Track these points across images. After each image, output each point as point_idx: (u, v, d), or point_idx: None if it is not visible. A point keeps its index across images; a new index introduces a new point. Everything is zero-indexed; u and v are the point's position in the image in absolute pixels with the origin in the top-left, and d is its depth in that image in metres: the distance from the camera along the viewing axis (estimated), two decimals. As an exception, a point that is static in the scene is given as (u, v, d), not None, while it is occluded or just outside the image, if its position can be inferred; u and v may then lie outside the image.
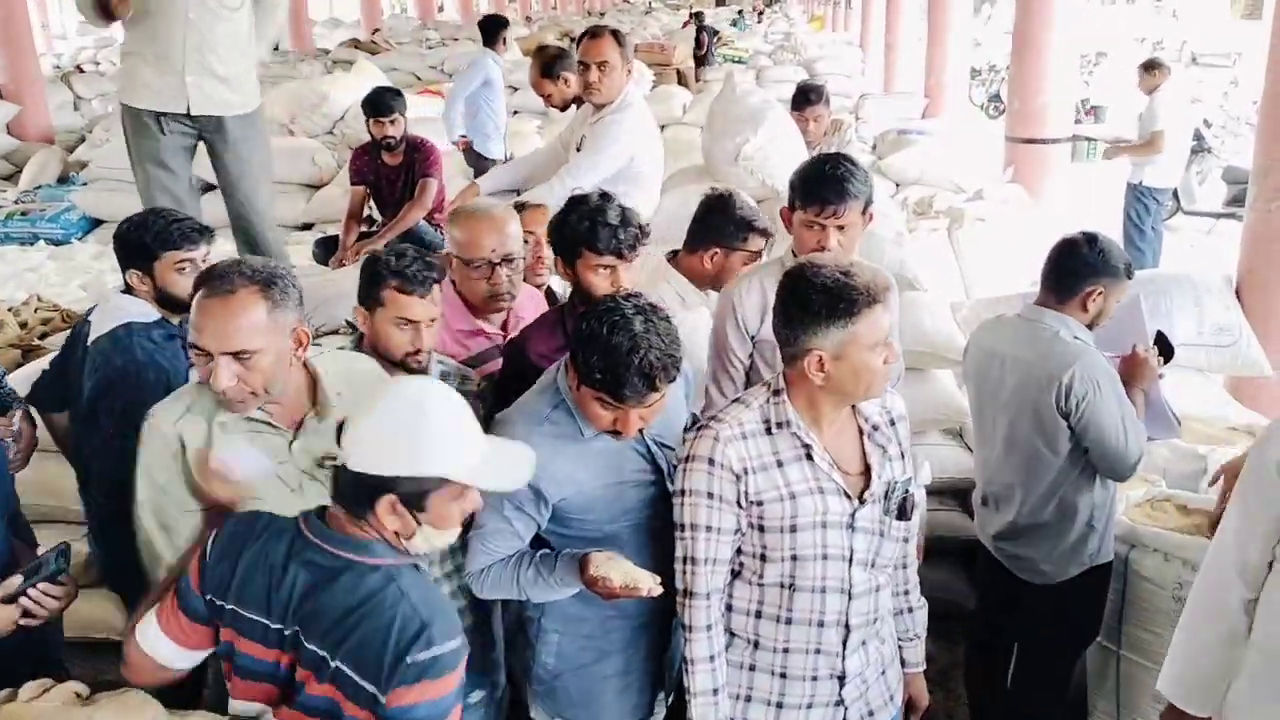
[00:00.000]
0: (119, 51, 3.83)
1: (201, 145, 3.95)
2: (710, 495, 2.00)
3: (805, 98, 5.04)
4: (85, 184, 7.47)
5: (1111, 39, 10.61)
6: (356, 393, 2.06)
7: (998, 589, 2.87)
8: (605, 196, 2.49)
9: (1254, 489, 1.95)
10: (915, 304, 3.56)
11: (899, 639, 2.26)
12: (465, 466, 1.67)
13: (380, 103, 4.73)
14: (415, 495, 1.65)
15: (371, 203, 5.05)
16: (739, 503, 2.00)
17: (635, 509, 2.15)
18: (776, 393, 2.03)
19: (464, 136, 6.50)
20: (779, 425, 2.01)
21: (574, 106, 4.13)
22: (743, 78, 10.74)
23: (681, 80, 11.71)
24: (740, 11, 22.66)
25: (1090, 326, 2.63)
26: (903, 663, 2.27)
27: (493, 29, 6.84)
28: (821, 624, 2.04)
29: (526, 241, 2.82)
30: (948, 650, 3.34)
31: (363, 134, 5.53)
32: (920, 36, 11.16)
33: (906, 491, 2.07)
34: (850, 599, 2.04)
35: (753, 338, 2.67)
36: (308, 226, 6.59)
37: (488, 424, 2.12)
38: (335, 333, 3.54)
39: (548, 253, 2.85)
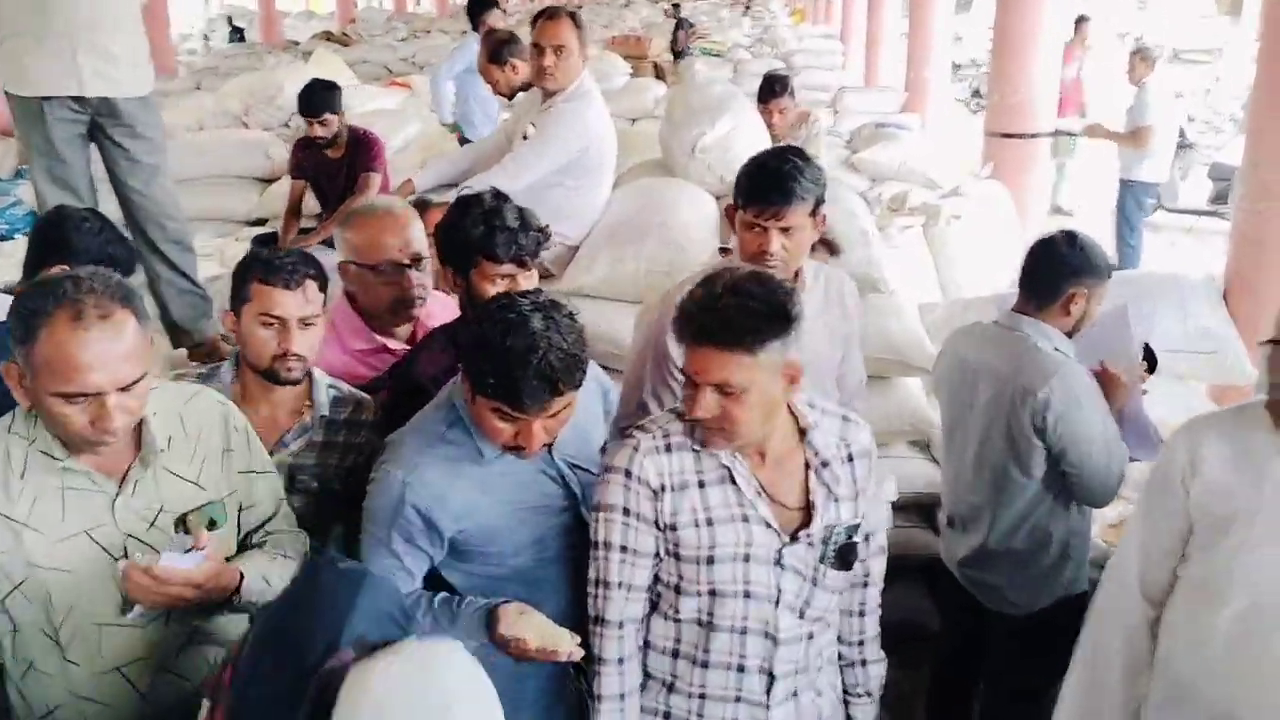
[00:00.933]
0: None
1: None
2: (626, 511, 1.79)
3: (770, 88, 4.85)
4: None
5: (1092, 34, 10.41)
6: (191, 438, 1.82)
7: (963, 617, 2.67)
8: (499, 196, 2.23)
9: (1158, 501, 1.88)
10: (881, 307, 3.35)
11: (847, 694, 2.02)
12: None
13: (309, 102, 4.49)
14: None
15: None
16: (657, 523, 1.78)
17: (546, 539, 1.92)
18: None
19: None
20: (704, 443, 1.79)
21: (521, 95, 3.89)
22: (719, 71, 10.60)
23: (659, 74, 11.49)
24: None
25: (1072, 333, 2.42)
26: None
27: (477, 10, 6.46)
28: (742, 669, 1.83)
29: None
30: (909, 677, 3.12)
31: (319, 128, 5.26)
32: (902, 31, 10.99)
33: (850, 538, 1.83)
34: (776, 644, 1.82)
35: None
36: (261, 221, 6.32)
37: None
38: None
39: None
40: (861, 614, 2.02)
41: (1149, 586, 1.87)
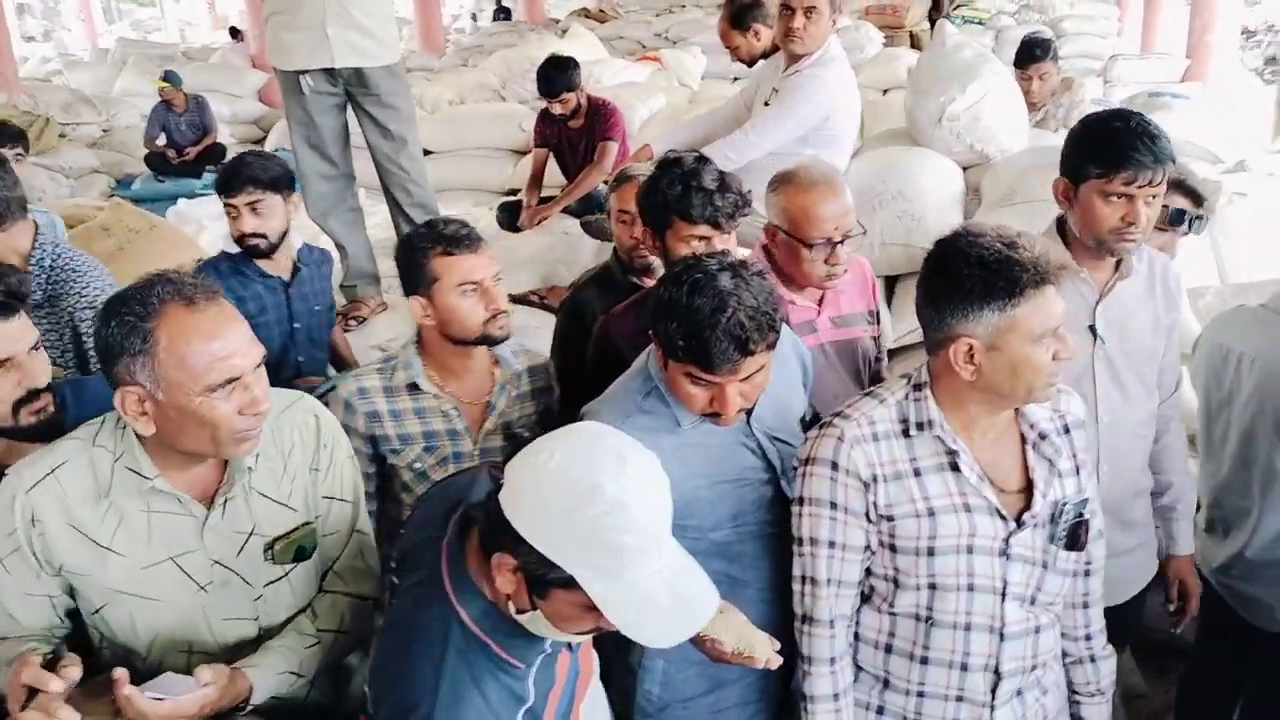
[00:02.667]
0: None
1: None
2: (834, 505, 1.70)
3: (1030, 53, 4.53)
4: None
5: None
6: (282, 454, 1.70)
7: (1221, 629, 2.42)
8: (701, 159, 2.21)
9: None
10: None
11: (1077, 693, 1.89)
12: (610, 589, 1.28)
13: (545, 82, 4.60)
14: (540, 578, 1.30)
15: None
16: (868, 515, 1.69)
17: (746, 513, 1.87)
18: (918, 387, 1.71)
19: None
20: (919, 426, 1.68)
21: (762, 61, 3.83)
22: (980, 39, 10.09)
23: (915, 44, 11.07)
24: None
25: None
26: None
27: None
28: (965, 667, 1.71)
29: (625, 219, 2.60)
30: (1163, 691, 2.90)
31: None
32: (1186, -7, 10.09)
33: (1079, 515, 1.70)
34: (1002, 640, 1.71)
35: None
36: (513, 192, 6.61)
37: (566, 417, 1.90)
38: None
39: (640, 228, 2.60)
40: (1086, 605, 1.87)
41: None
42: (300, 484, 1.73)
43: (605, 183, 4.53)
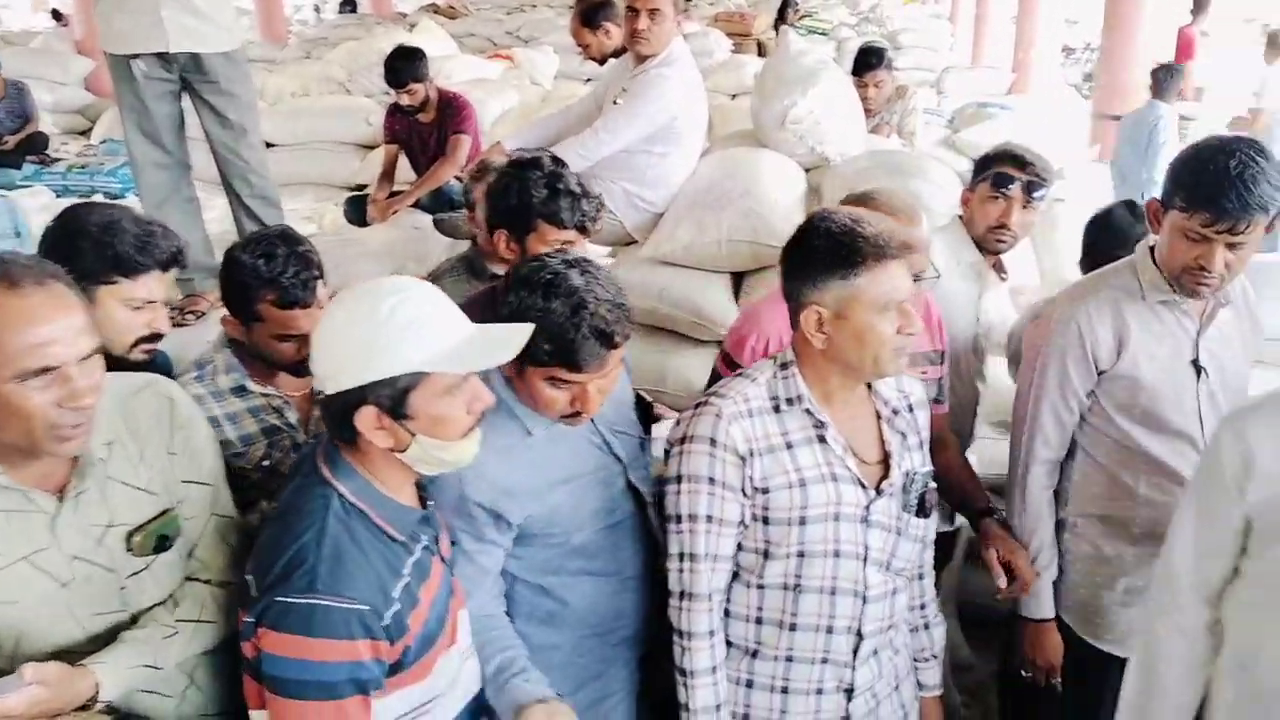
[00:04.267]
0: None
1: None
2: (712, 481, 1.76)
3: (866, 61, 4.74)
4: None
5: (1217, 19, 9.95)
6: (139, 439, 1.65)
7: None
8: (557, 161, 2.21)
9: (1209, 502, 1.71)
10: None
11: (914, 659, 2.01)
12: (439, 352, 1.47)
13: (392, 72, 4.55)
14: (393, 399, 1.46)
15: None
16: (743, 490, 1.75)
17: (603, 509, 1.89)
18: (784, 365, 1.79)
19: None
20: (788, 402, 1.77)
21: (612, 61, 3.88)
22: (822, 49, 10.43)
23: (761, 51, 11.36)
24: None
25: None
26: (919, 685, 2.02)
27: None
28: (831, 630, 1.80)
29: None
30: (988, 662, 3.06)
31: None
32: (1011, 12, 10.70)
33: (926, 485, 1.84)
34: (865, 603, 1.80)
35: (1101, 374, 2.13)
36: (361, 187, 6.48)
37: None
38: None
39: None
40: (921, 576, 2.00)
41: (1203, 585, 1.74)
42: (159, 469, 1.68)
43: (458, 178, 4.50)
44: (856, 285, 1.68)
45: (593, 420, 1.86)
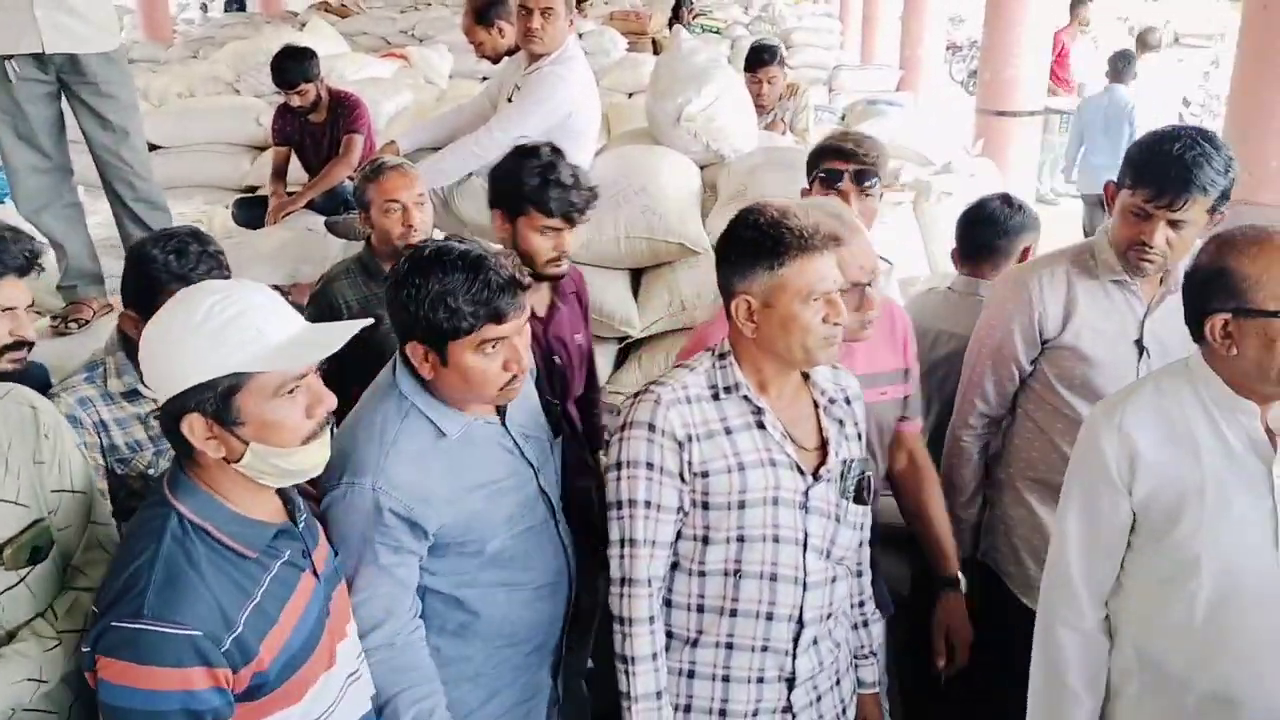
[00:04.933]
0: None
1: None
2: (650, 466, 1.78)
3: (758, 57, 4.82)
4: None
5: (1091, 17, 10.36)
6: (1, 449, 1.61)
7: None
8: (556, 151, 2.31)
9: (1093, 499, 1.75)
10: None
11: (853, 655, 2.05)
12: (261, 351, 1.41)
13: (281, 73, 4.44)
14: (216, 406, 1.40)
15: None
16: (682, 476, 1.78)
17: (517, 516, 1.88)
18: (722, 356, 1.84)
19: None
20: (726, 390, 1.81)
21: (506, 59, 3.87)
22: (716, 48, 10.55)
23: (657, 50, 11.44)
24: None
25: None
26: (858, 682, 2.05)
27: None
28: (770, 616, 1.83)
29: (391, 210, 2.62)
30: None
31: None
32: (899, 11, 10.97)
33: (863, 473, 1.89)
34: (805, 590, 1.83)
35: (1045, 343, 2.26)
36: (251, 189, 6.33)
37: None
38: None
39: (419, 217, 2.61)
40: (860, 573, 2.04)
41: (1097, 586, 1.80)
42: (26, 479, 1.65)
43: (351, 178, 4.43)
44: (782, 275, 1.72)
45: (504, 423, 1.86)
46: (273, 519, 1.55)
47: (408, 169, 2.73)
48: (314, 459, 1.52)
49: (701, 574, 1.85)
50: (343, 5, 15.39)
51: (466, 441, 1.81)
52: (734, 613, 1.84)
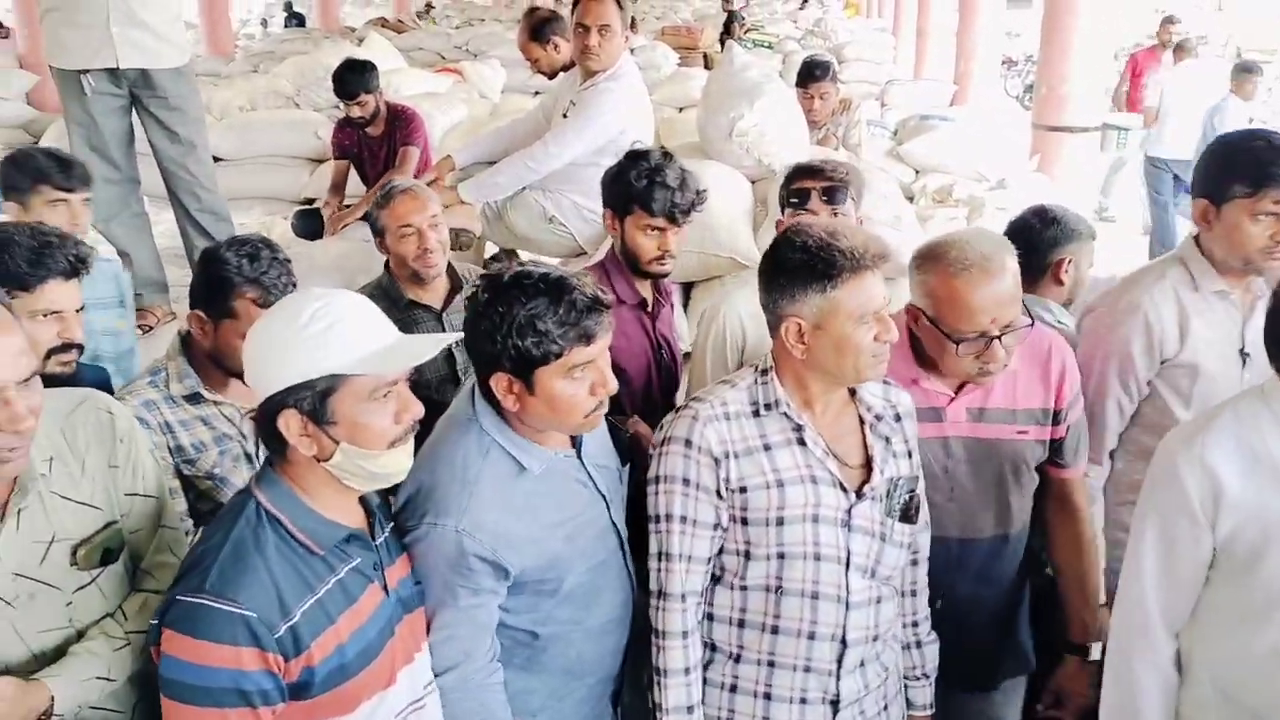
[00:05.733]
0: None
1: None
2: (686, 482, 1.78)
3: (810, 73, 4.82)
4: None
5: (1152, 32, 10.21)
6: (78, 454, 1.64)
7: None
8: (666, 155, 2.40)
9: (1174, 534, 1.66)
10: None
11: (905, 677, 2.01)
12: (358, 356, 1.47)
13: (342, 84, 4.54)
14: (313, 404, 1.47)
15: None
16: (719, 492, 1.77)
17: (590, 550, 1.84)
18: (764, 372, 1.83)
19: None
20: (767, 406, 1.80)
21: (561, 75, 3.92)
22: (768, 63, 10.57)
23: (708, 65, 11.49)
24: None
25: (1068, 303, 2.45)
26: (908, 704, 2.01)
27: None
28: (813, 636, 1.81)
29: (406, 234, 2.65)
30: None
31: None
32: (953, 25, 10.91)
33: (911, 491, 1.85)
34: (848, 609, 1.80)
35: (1163, 362, 2.21)
36: (309, 201, 6.45)
37: None
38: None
39: (434, 239, 2.64)
40: (914, 593, 2.00)
41: (1173, 620, 1.73)
42: (101, 483, 1.67)
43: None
44: (834, 297, 1.71)
45: (579, 456, 1.83)
46: (348, 523, 1.58)
47: (419, 192, 2.75)
48: (398, 464, 1.56)
49: (743, 588, 1.84)
50: (399, 21, 15.69)
51: (547, 476, 1.77)
52: (775, 629, 1.83)
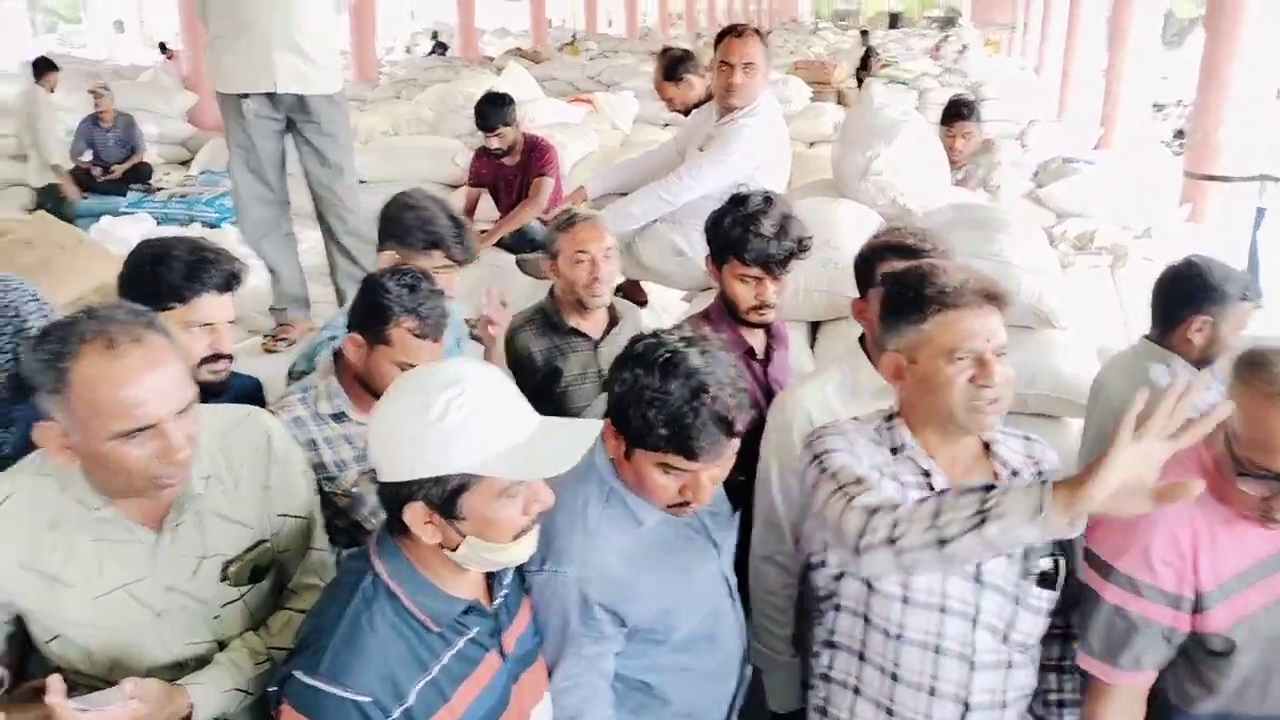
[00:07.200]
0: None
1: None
2: (846, 437, 1.74)
3: (956, 111, 4.72)
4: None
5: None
6: (234, 472, 1.68)
7: None
8: (768, 200, 2.29)
9: None
10: (1053, 343, 3.20)
11: None
12: (491, 456, 1.39)
13: (482, 117, 4.66)
14: (444, 500, 1.40)
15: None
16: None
17: (701, 602, 1.79)
18: (890, 417, 1.79)
19: None
20: (894, 451, 1.75)
21: (696, 110, 3.93)
22: (904, 99, 10.43)
23: (841, 100, 11.41)
24: None
25: (1201, 362, 2.32)
26: None
27: None
28: (934, 692, 1.72)
29: (580, 261, 2.67)
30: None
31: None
32: (1100, 66, 10.57)
33: (1053, 555, 1.73)
34: (973, 668, 1.71)
35: None
36: (444, 225, 6.62)
37: None
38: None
39: (606, 270, 2.66)
40: (1060, 669, 1.88)
41: None
42: (254, 503, 1.71)
43: (541, 220, 4.58)
44: (924, 330, 1.68)
45: None
46: (467, 595, 1.53)
47: (598, 221, 2.78)
48: (522, 553, 1.50)
49: (866, 621, 1.77)
50: (535, 51, 16.10)
51: (660, 526, 1.73)
52: (895, 678, 1.75)
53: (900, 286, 1.72)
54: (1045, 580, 1.75)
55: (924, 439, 1.75)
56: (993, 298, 1.68)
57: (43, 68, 7.98)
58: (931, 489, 1.71)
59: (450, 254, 2.51)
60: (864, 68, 13.47)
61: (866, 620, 1.77)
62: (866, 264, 2.26)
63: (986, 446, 1.80)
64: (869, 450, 1.75)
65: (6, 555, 1.54)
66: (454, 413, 1.38)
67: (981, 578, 1.72)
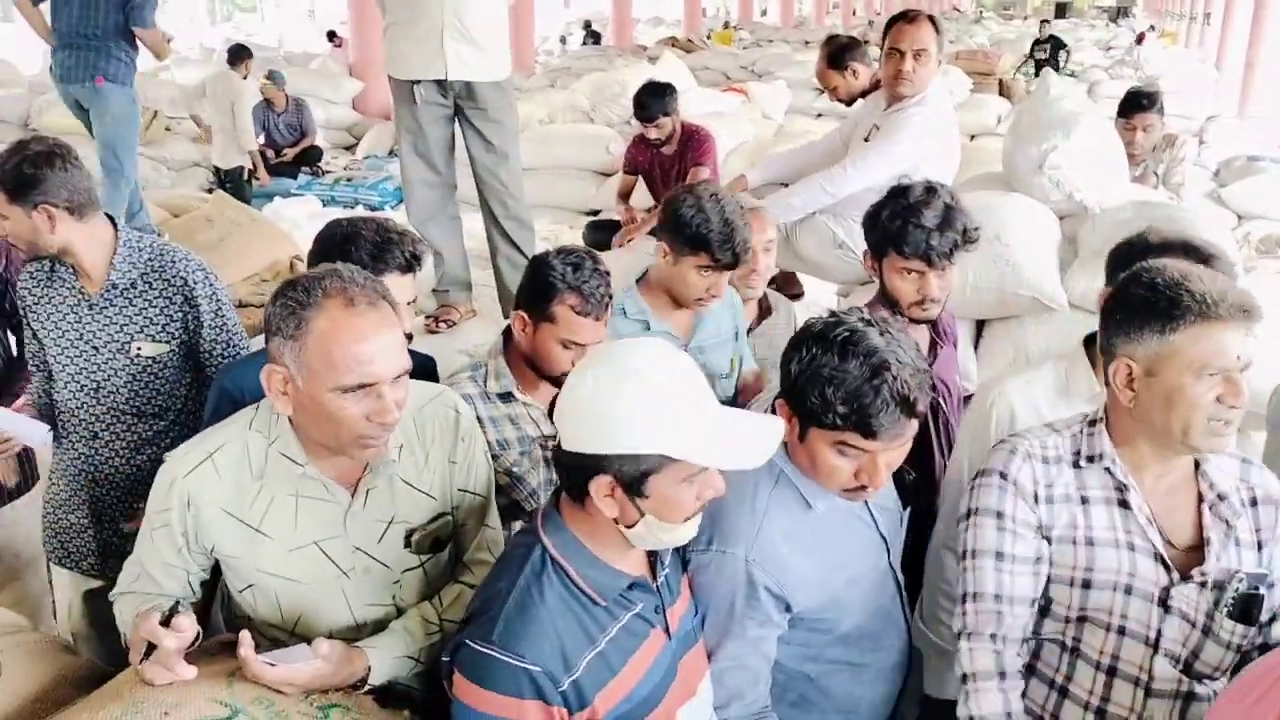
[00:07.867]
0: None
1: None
2: (1000, 515, 1.67)
3: (1136, 102, 4.47)
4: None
5: None
6: (424, 445, 1.75)
7: None
8: (930, 190, 2.19)
9: None
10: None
11: None
12: (691, 441, 1.40)
13: (641, 107, 4.65)
14: (633, 478, 1.41)
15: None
16: (1039, 529, 1.65)
17: (869, 595, 1.76)
18: (1093, 423, 1.70)
19: None
20: (1089, 459, 1.67)
21: (861, 100, 3.84)
22: (1074, 91, 9.99)
23: (1003, 91, 11.02)
24: None
25: None
26: None
27: None
28: (1102, 713, 1.65)
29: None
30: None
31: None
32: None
33: (1255, 588, 1.62)
34: (1147, 694, 1.63)
35: None
36: (595, 212, 6.70)
37: None
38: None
39: (764, 262, 2.60)
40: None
41: None
42: (439, 475, 1.77)
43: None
44: (1173, 342, 1.54)
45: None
46: (632, 570, 1.55)
47: (761, 213, 2.75)
48: (688, 534, 1.51)
49: (1035, 635, 1.72)
50: (689, 40, 16.09)
51: (830, 514, 1.70)
52: (1064, 692, 1.69)
53: (1150, 290, 1.58)
54: (1245, 615, 1.63)
55: (1131, 452, 1.66)
56: (1248, 312, 1.56)
57: (238, 54, 8.38)
58: (1124, 505, 1.64)
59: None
60: (1054, 63, 12.85)
61: (1036, 635, 1.71)
62: (1133, 255, 1.99)
63: (1196, 464, 1.69)
64: (1026, 507, 1.66)
65: (215, 500, 1.63)
66: (658, 394, 1.40)
67: (1168, 602, 1.63)
